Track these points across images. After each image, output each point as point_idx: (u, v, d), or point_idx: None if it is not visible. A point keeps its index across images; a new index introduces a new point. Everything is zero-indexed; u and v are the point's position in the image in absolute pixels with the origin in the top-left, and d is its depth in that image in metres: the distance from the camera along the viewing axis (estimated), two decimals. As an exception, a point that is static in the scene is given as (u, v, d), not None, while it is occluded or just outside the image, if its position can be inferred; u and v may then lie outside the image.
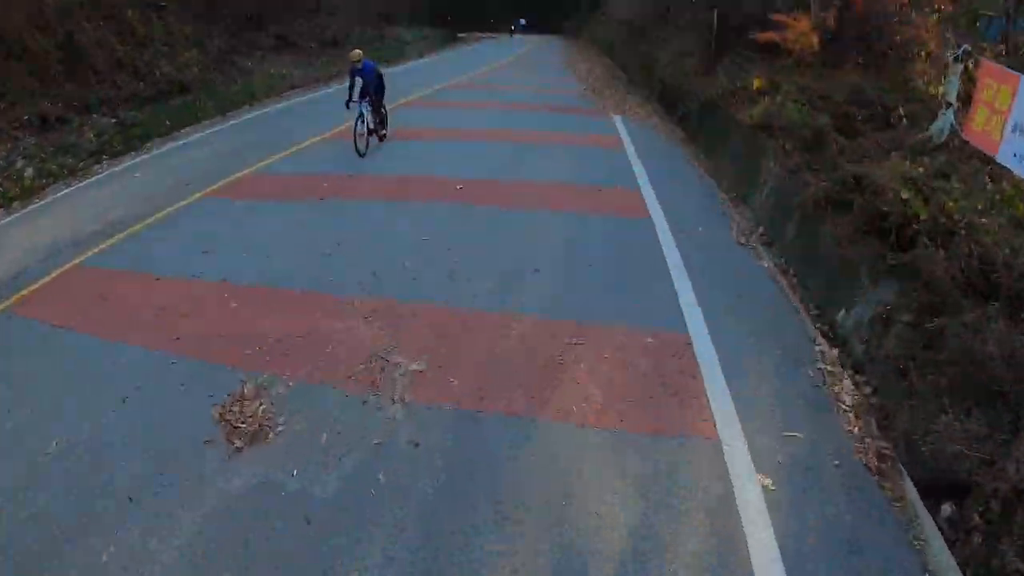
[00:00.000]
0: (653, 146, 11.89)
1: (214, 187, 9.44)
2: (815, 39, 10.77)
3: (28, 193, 10.51)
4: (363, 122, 10.81)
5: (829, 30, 10.71)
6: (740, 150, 9.76)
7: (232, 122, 15.23)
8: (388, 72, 22.84)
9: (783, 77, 10.18)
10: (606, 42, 30.47)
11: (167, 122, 14.75)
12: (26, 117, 12.98)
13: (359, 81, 10.82)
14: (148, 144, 13.48)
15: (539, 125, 13.80)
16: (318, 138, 12.34)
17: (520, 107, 15.70)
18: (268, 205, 8.68)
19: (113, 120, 14.31)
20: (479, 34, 51.79)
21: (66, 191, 10.51)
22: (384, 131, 11.84)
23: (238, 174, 10.03)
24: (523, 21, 51.42)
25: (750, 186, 8.88)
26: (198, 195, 9.12)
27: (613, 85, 19.24)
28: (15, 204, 10.03)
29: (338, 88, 18.67)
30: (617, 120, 14.06)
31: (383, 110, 11.68)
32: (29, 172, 11.28)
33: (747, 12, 12.70)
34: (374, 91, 10.97)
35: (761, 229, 7.86)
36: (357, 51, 10.96)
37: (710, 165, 10.68)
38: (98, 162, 12.42)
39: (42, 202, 10.03)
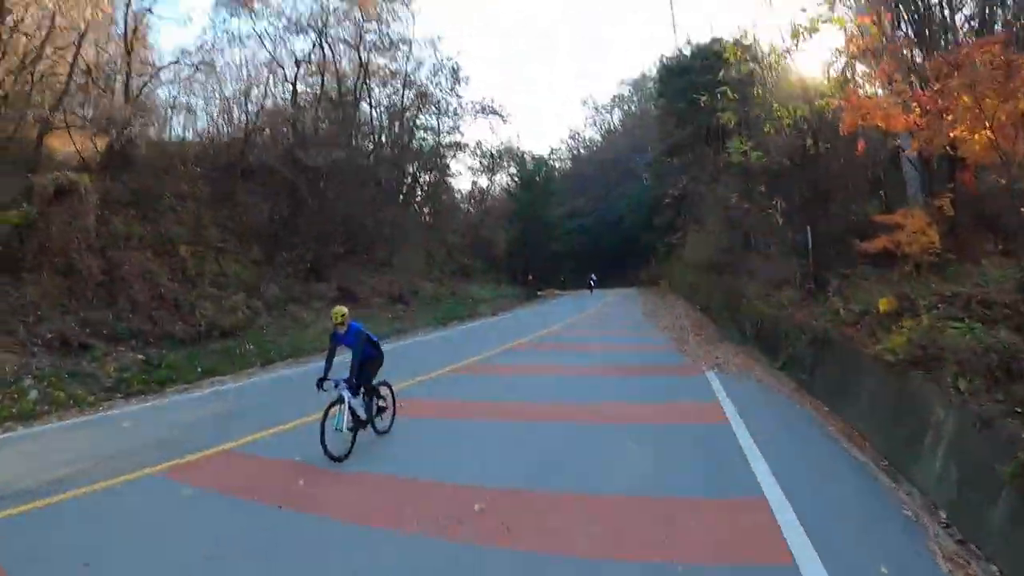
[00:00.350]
0: (763, 409, 8.86)
1: (186, 459, 7.53)
2: (935, 234, 8.50)
3: (22, 417, 9.85)
4: (344, 412, 7.26)
5: (948, 220, 8.48)
6: (882, 397, 7.02)
7: (268, 375, 14.12)
8: (455, 331, 23.04)
9: (914, 289, 7.76)
10: (685, 286, 29.39)
11: (198, 368, 13.88)
12: (49, 335, 12.61)
13: (346, 352, 7.79)
14: (170, 388, 12.48)
15: (613, 395, 10.33)
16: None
17: (591, 371, 12.42)
18: (214, 502, 6.33)
19: (140, 356, 13.68)
20: (558, 291, 53.00)
21: (57, 424, 9.73)
22: (385, 411, 8.32)
23: (223, 445, 8.08)
24: (594, 276, 52.49)
25: (910, 450, 6.06)
26: (159, 467, 7.22)
27: (699, 332, 17.18)
28: (5, 425, 9.46)
29: (395, 346, 17.69)
30: (710, 376, 11.02)
31: (383, 390, 8.30)
32: (33, 395, 10.67)
33: (841, 224, 10.82)
34: (362, 365, 7.73)
35: (943, 516, 5.01)
36: (340, 308, 8.02)
37: (842, 424, 7.79)
38: (109, 399, 11.52)
39: (27, 431, 9.32)
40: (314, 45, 25.79)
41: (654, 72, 44.34)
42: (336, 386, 7.30)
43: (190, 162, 21.68)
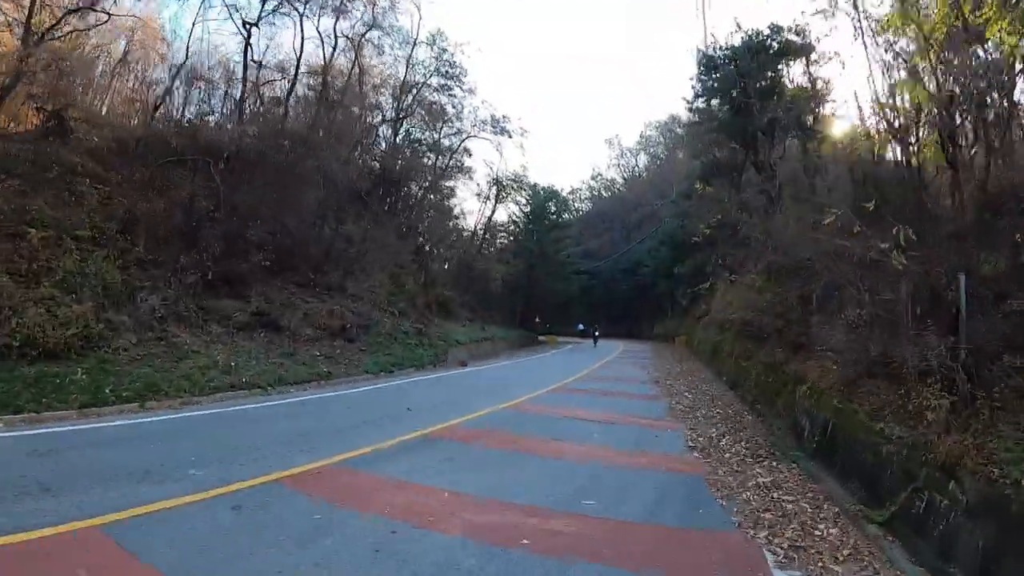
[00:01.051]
0: None
1: None
2: None
3: None
4: None
5: None
6: None
7: (73, 426, 9.19)
8: (391, 386, 16.15)
9: None
10: (709, 347, 24.22)
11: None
12: None
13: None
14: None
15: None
16: (117, 516, 5.45)
17: (531, 522, 5.90)
18: None
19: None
20: (561, 338, 48.27)
21: None
22: None
23: None
24: (596, 327, 47.57)
25: None
26: None
27: (733, 426, 11.70)
28: None
29: (305, 400, 13.01)
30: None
31: None
32: None
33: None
34: None
35: None
36: None
37: None
38: None
39: None
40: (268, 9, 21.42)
41: (682, 112, 40.16)
42: None
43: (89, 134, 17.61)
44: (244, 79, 21.08)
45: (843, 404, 8.42)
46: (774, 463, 8.53)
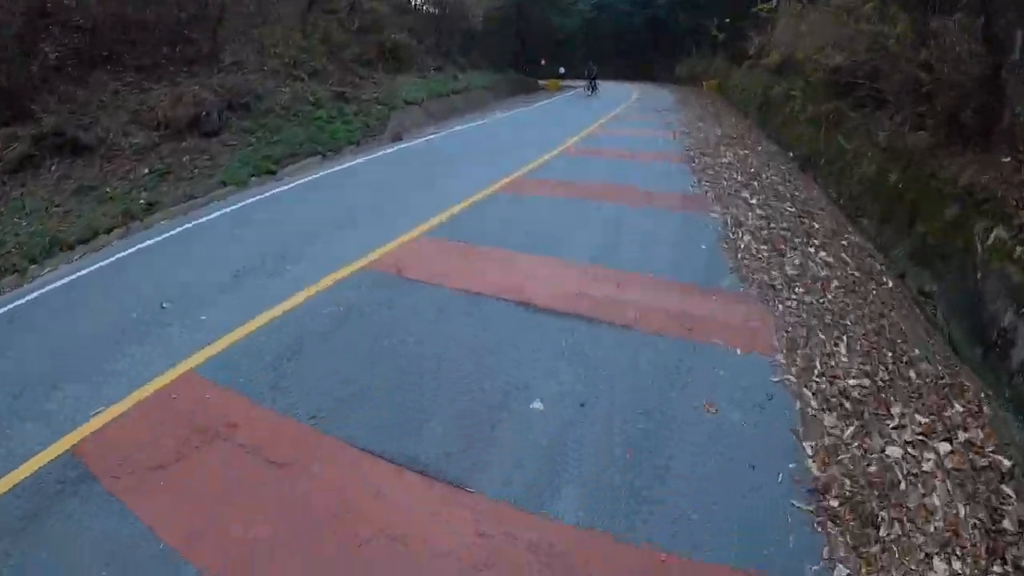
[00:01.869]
0: None
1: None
2: None
3: None
4: None
5: None
6: None
7: None
8: (200, 224, 9.02)
9: None
10: (758, 99, 17.85)
11: None
12: None
13: None
14: None
15: None
16: None
17: None
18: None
19: None
20: (564, 82, 40.79)
21: None
22: None
23: None
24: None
25: None
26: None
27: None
28: None
29: (33, 300, 6.88)
30: None
31: None
32: None
33: None
34: None
35: None
36: None
37: None
38: None
39: None
40: None
41: None
42: None
43: None
44: None
45: None
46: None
